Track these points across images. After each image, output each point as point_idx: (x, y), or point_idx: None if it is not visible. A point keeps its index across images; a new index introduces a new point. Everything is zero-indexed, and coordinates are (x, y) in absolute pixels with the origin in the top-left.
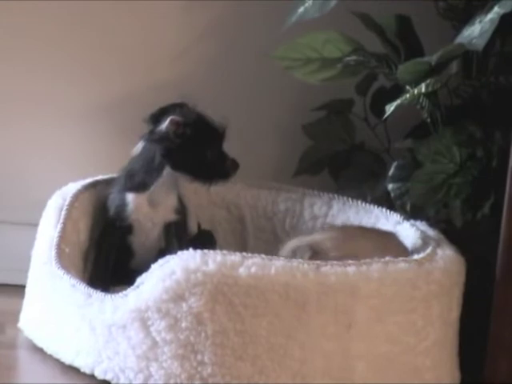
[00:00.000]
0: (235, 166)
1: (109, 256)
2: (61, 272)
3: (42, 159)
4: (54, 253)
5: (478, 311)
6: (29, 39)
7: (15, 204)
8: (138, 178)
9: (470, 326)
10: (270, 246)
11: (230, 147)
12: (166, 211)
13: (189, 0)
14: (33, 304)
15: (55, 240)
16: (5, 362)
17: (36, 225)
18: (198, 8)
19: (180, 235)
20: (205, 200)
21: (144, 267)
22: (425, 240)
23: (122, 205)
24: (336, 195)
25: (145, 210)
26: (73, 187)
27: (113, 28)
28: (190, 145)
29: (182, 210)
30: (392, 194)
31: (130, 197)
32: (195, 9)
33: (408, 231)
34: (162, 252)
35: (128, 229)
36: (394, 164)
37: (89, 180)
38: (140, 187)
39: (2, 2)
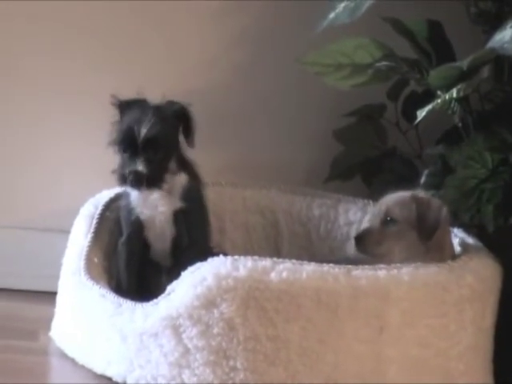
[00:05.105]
0: (134, 178)
1: (129, 262)
2: (90, 283)
3: (77, 166)
4: (83, 263)
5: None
6: (62, 54)
7: (49, 211)
8: None
9: (502, 331)
10: (305, 251)
11: (263, 152)
12: (170, 199)
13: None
14: (63, 314)
15: (85, 250)
16: (37, 369)
17: (70, 232)
18: (229, 16)
19: (190, 223)
20: (239, 205)
21: (161, 258)
22: (463, 247)
23: (127, 200)
24: (371, 201)
25: (146, 199)
26: (106, 195)
27: (143, 38)
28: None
29: (191, 198)
30: None
31: (130, 189)
32: (226, 17)
33: None
34: (174, 241)
35: (139, 225)
36: (426, 172)
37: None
38: None
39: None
